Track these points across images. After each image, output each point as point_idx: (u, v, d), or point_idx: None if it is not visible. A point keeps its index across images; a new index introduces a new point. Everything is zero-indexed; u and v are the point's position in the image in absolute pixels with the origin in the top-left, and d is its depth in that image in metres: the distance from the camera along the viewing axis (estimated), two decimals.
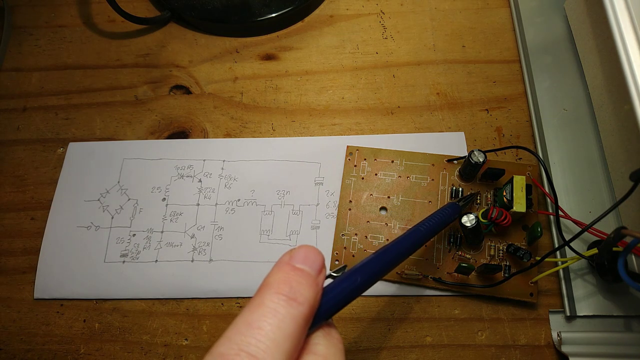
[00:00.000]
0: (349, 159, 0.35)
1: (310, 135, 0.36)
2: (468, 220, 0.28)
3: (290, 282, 0.17)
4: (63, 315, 0.32)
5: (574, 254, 0.29)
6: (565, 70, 0.37)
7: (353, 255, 0.32)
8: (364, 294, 0.31)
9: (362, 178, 0.34)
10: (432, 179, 0.33)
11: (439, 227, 0.26)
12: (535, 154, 0.30)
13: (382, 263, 0.21)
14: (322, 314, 0.18)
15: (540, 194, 0.33)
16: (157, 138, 0.37)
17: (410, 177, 0.33)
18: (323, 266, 0.19)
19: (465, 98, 0.37)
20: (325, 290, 0.18)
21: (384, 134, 0.36)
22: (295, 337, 0.16)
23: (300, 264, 0.18)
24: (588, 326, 0.30)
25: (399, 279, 0.31)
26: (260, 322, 0.15)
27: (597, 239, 0.30)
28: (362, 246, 0.32)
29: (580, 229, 0.27)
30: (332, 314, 0.18)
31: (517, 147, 0.33)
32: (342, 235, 0.32)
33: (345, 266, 0.20)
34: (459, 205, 0.29)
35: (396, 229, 0.32)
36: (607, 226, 0.31)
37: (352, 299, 0.19)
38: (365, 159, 0.34)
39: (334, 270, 0.20)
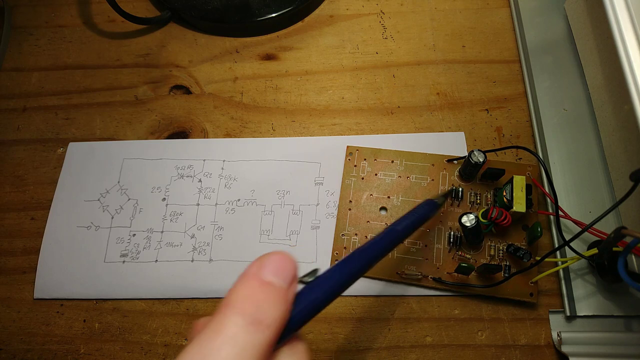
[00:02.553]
0: (349, 159, 0.35)
1: (310, 135, 0.36)
2: (468, 220, 0.28)
3: (256, 300, 0.14)
4: (63, 315, 0.32)
5: (574, 254, 0.29)
6: (565, 70, 0.37)
7: None
8: (361, 294, 0.31)
9: (362, 178, 0.34)
10: (432, 179, 0.33)
11: (415, 225, 0.25)
12: (535, 154, 0.30)
13: (356, 266, 0.20)
14: (290, 327, 0.16)
15: (540, 194, 0.33)
16: (157, 138, 0.37)
17: (410, 177, 0.33)
18: (296, 276, 0.16)
19: (465, 98, 0.37)
20: (295, 299, 0.16)
21: (384, 134, 0.36)
22: None
23: (270, 276, 0.15)
24: (588, 326, 0.30)
25: (399, 279, 0.31)
26: (216, 354, 0.13)
27: (597, 239, 0.30)
28: None
29: (580, 229, 0.27)
30: (301, 325, 0.16)
31: (517, 147, 0.33)
32: (342, 235, 0.32)
33: (316, 270, 0.18)
34: (436, 202, 0.28)
35: None
36: (607, 226, 0.31)
37: (323, 307, 0.17)
38: (365, 159, 0.34)
39: (304, 275, 0.18)
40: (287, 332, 0.16)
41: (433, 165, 0.34)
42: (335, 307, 0.31)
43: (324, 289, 0.17)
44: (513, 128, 0.36)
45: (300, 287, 0.17)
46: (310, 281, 0.17)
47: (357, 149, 0.35)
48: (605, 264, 0.28)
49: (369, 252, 0.21)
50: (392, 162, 0.34)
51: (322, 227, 0.33)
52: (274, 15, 0.39)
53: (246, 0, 0.40)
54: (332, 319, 0.31)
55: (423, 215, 0.26)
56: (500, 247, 0.31)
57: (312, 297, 0.17)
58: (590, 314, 0.29)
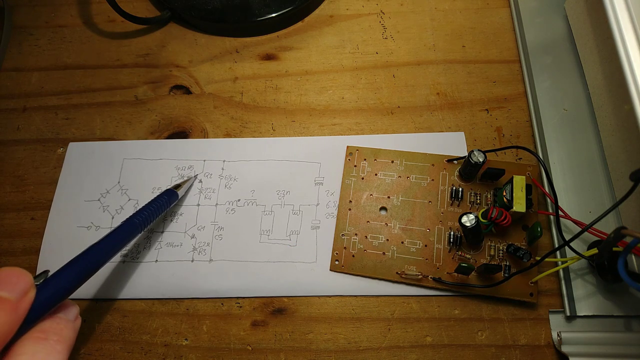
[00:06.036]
0: (349, 159, 0.35)
1: (310, 135, 0.36)
2: (468, 220, 0.28)
3: None
4: None
5: (574, 254, 0.29)
6: (565, 70, 0.37)
7: (353, 256, 0.32)
8: (350, 293, 0.31)
9: (362, 178, 0.34)
10: (432, 179, 0.33)
11: (155, 215, 0.29)
12: (535, 154, 0.30)
13: (91, 262, 0.24)
14: (30, 319, 0.19)
15: (540, 194, 0.33)
16: (157, 138, 0.37)
17: (410, 177, 0.33)
18: (27, 288, 0.19)
19: (465, 98, 0.37)
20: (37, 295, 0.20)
21: (384, 134, 0.36)
22: None
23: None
24: (588, 326, 0.30)
25: (399, 279, 0.31)
26: None
27: (597, 239, 0.30)
28: (362, 246, 0.32)
29: (580, 229, 0.27)
30: (40, 315, 0.20)
31: (517, 147, 0.33)
32: (342, 235, 0.32)
33: (47, 271, 0.22)
34: (176, 191, 0.32)
35: (396, 229, 0.32)
36: (607, 226, 0.31)
37: (60, 300, 0.21)
38: (365, 159, 0.34)
39: (35, 275, 0.21)
40: (27, 325, 0.19)
41: (433, 165, 0.34)
42: (335, 307, 0.31)
43: (56, 286, 0.21)
44: (513, 128, 0.36)
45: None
46: (40, 283, 0.21)
47: (357, 149, 0.35)
48: (605, 264, 0.28)
49: (106, 247, 0.25)
50: (392, 162, 0.34)
51: (322, 227, 0.33)
52: (274, 15, 0.39)
53: (246, 0, 0.40)
54: (332, 319, 0.31)
55: (163, 205, 0.30)
56: (500, 247, 0.31)
57: (43, 298, 0.20)
58: (590, 314, 0.29)
